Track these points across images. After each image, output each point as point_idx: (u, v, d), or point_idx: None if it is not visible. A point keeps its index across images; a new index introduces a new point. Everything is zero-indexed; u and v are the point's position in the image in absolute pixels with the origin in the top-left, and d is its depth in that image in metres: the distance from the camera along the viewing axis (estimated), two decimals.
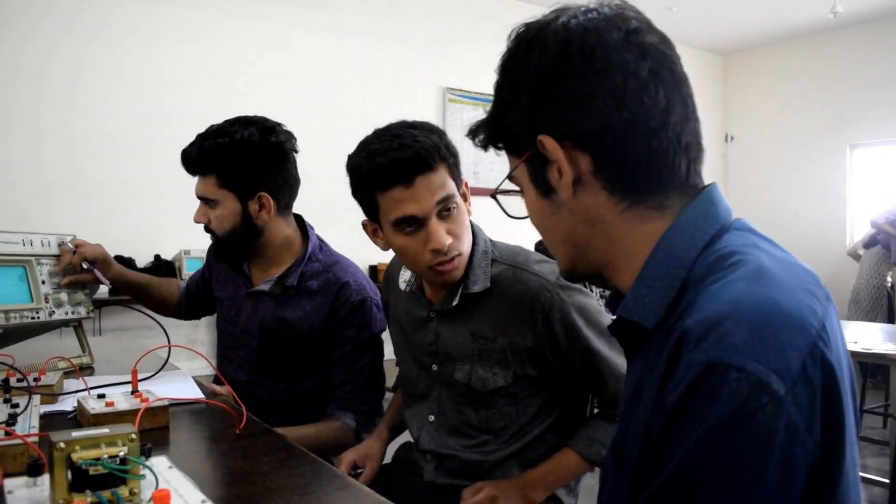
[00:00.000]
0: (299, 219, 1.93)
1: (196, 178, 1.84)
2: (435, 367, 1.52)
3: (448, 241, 1.39)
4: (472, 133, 0.95)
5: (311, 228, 1.93)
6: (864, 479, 3.80)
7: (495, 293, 1.45)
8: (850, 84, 7.91)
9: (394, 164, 1.34)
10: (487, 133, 0.92)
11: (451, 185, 1.40)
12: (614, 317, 0.89)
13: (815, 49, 8.23)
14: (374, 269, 5.89)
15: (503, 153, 0.94)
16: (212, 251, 2.04)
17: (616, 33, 0.81)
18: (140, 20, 4.99)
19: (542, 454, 1.47)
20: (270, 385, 1.86)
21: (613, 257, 0.86)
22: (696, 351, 0.67)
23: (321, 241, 1.93)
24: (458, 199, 1.42)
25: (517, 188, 0.94)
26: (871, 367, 5.43)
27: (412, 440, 1.66)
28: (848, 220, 8.02)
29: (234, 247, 1.85)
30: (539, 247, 4.98)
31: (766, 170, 8.66)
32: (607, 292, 4.46)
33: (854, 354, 3.22)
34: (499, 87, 0.89)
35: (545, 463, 1.47)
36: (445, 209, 1.39)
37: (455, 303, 1.46)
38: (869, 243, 6.05)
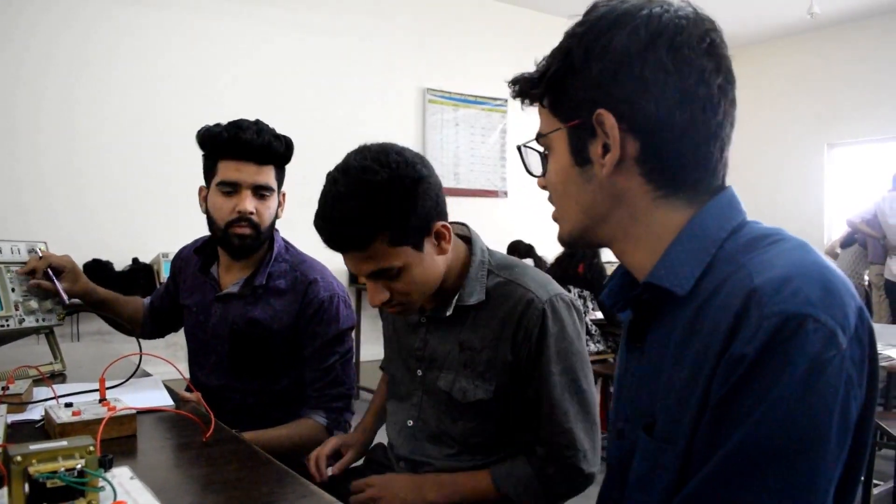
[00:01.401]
0: None
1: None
2: (420, 373, 1.51)
3: (385, 296, 1.37)
4: (519, 83, 0.96)
5: (277, 231, 1.94)
6: None
7: (489, 305, 1.42)
8: (827, 84, 7.99)
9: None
10: (541, 88, 0.92)
11: (388, 254, 1.32)
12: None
13: (793, 50, 8.31)
14: (354, 276, 5.88)
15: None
16: (187, 256, 2.05)
17: (702, 40, 0.84)
18: (119, 26, 4.96)
19: None
20: (243, 387, 1.87)
21: (634, 234, 0.90)
22: (770, 304, 0.72)
23: (286, 242, 1.96)
24: (400, 263, 1.34)
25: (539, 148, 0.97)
26: None
27: (385, 443, 1.67)
28: (826, 219, 8.10)
29: (261, 243, 1.87)
30: (512, 250, 5.00)
31: (744, 169, 8.71)
32: (586, 292, 4.40)
33: None
34: (568, 50, 0.88)
35: (458, 474, 1.47)
36: (382, 275, 1.35)
37: (449, 313, 1.44)
38: (846, 242, 6.13)
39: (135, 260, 4.74)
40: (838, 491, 0.74)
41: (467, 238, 1.51)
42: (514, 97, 0.97)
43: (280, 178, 1.87)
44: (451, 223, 1.42)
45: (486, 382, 1.41)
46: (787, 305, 0.71)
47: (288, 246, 1.96)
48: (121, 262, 4.71)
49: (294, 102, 5.67)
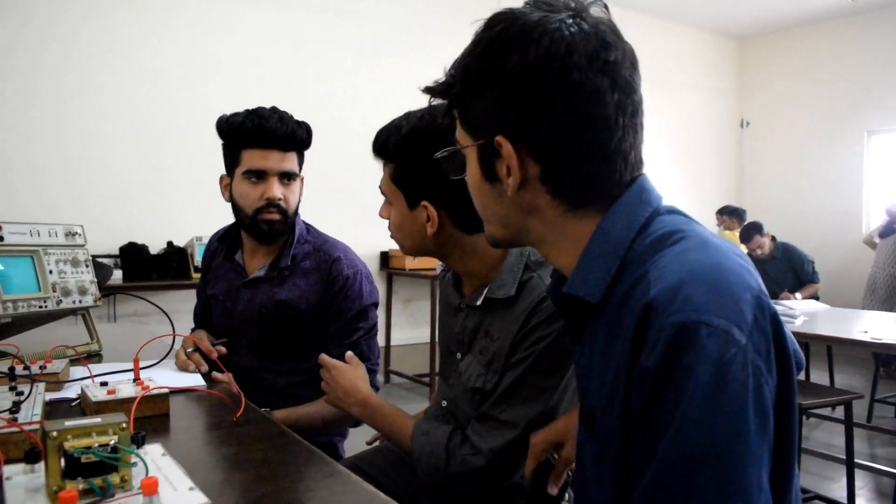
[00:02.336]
0: None
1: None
2: (459, 356, 1.52)
3: None
4: (430, 93, 0.99)
5: (297, 214, 1.99)
6: (872, 469, 3.80)
7: (519, 299, 1.39)
8: (868, 69, 7.81)
9: None
10: (446, 101, 0.96)
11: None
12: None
13: (834, 34, 8.13)
14: (385, 256, 5.92)
15: None
16: (211, 246, 2.10)
17: (595, 59, 0.83)
18: (148, 6, 5.01)
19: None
20: (273, 368, 1.91)
21: (552, 241, 0.92)
22: (665, 315, 0.73)
23: (307, 224, 2.02)
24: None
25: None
26: (884, 356, 5.41)
27: None
28: (864, 208, 7.94)
29: (287, 228, 1.92)
30: None
31: (782, 156, 8.59)
32: None
33: (865, 345, 3.22)
34: (466, 68, 0.91)
35: (393, 408, 1.55)
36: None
37: (478, 303, 1.45)
38: (885, 232, 6.00)
39: (169, 243, 4.81)
40: (774, 471, 0.75)
41: None
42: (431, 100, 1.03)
43: (302, 162, 1.93)
44: None
45: (489, 373, 1.40)
46: (679, 315, 0.73)
47: (309, 228, 2.01)
48: (155, 246, 4.78)
49: (324, 92, 5.69)
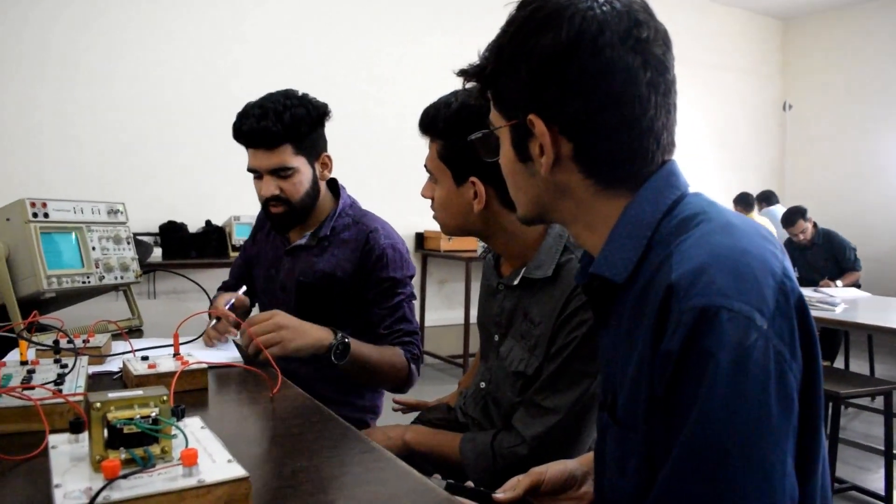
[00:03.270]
0: (333, 181, 2.04)
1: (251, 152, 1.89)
2: (496, 338, 1.53)
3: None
4: (464, 76, 1.01)
5: (343, 188, 2.04)
6: None
7: (557, 281, 1.40)
8: None
9: None
10: (482, 84, 0.97)
11: None
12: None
13: (882, 14, 7.90)
14: (420, 237, 5.94)
15: None
16: (261, 224, 2.16)
17: (627, 37, 0.84)
18: None
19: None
20: None
21: (583, 221, 0.93)
22: (685, 299, 0.73)
23: (352, 199, 2.05)
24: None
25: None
26: None
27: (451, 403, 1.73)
28: None
29: (303, 212, 1.93)
30: None
31: (825, 140, 8.41)
32: None
33: None
34: (500, 48, 0.91)
35: (435, 431, 1.57)
36: None
37: (516, 282, 1.45)
38: None
39: (207, 222, 4.87)
40: (799, 456, 0.75)
41: None
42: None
43: (307, 147, 1.90)
44: None
45: (532, 357, 1.40)
46: (700, 299, 0.73)
47: (353, 203, 2.04)
48: (194, 224, 4.85)
49: (358, 74, 5.69)
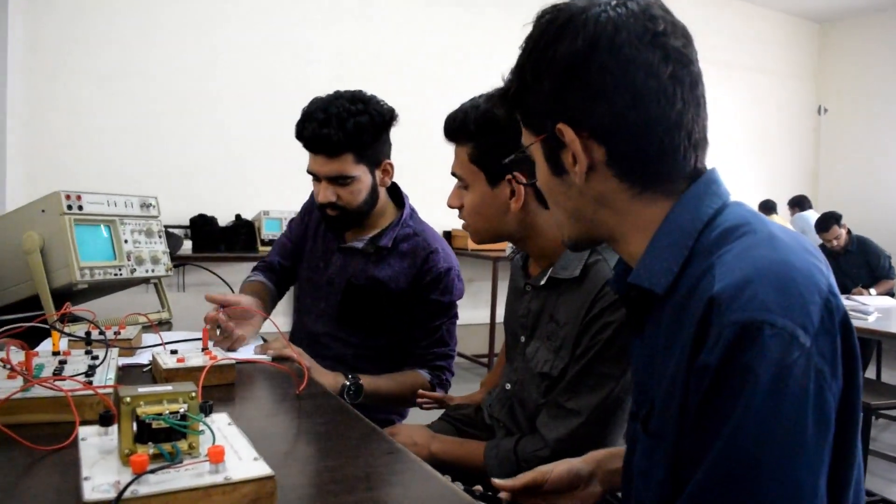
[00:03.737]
0: (394, 186, 2.01)
1: (313, 157, 1.84)
2: (523, 339, 1.53)
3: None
4: (491, 102, 1.05)
5: (406, 197, 2.02)
6: None
7: (584, 282, 1.38)
8: None
9: None
10: (507, 107, 0.97)
11: None
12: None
13: None
14: (448, 235, 5.93)
15: None
16: (312, 218, 2.11)
17: (644, 33, 0.84)
18: None
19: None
20: (345, 338, 1.95)
21: (622, 231, 0.92)
22: (728, 313, 0.72)
23: (413, 209, 2.03)
24: None
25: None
26: None
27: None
28: None
29: (360, 217, 1.91)
30: None
31: (860, 145, 8.27)
32: None
33: None
34: (521, 65, 0.92)
35: (461, 441, 1.57)
36: None
37: (543, 283, 1.45)
38: None
39: (237, 216, 4.91)
40: (833, 473, 0.73)
41: None
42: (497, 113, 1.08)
43: (369, 156, 1.84)
44: None
45: (558, 359, 1.39)
46: (743, 313, 0.71)
47: (414, 213, 2.02)
48: (224, 218, 4.90)
49: (400, 69, 5.70)
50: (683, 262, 0.84)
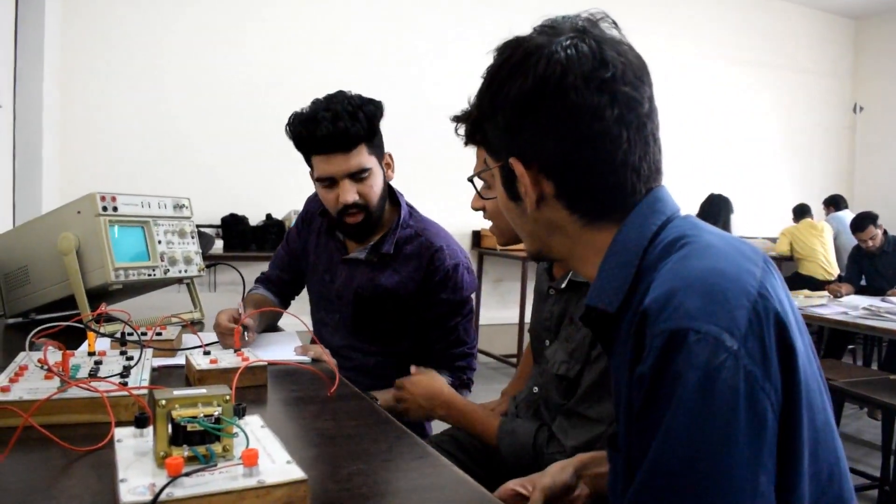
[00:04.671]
0: (388, 186, 1.95)
1: (325, 157, 1.79)
2: (547, 343, 1.52)
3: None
4: (457, 121, 1.10)
5: (401, 195, 1.97)
6: None
7: None
8: None
9: None
10: (468, 131, 1.02)
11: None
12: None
13: None
14: (477, 235, 5.93)
15: None
16: (309, 218, 2.08)
17: (591, 77, 0.86)
18: None
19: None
20: (365, 348, 1.94)
21: (576, 254, 0.96)
22: (656, 323, 0.75)
23: (410, 206, 1.98)
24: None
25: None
26: None
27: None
28: None
29: (378, 217, 1.87)
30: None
31: None
32: None
33: None
34: (482, 95, 0.96)
35: (478, 407, 1.56)
36: None
37: (563, 286, 1.44)
38: None
39: (268, 216, 4.95)
40: (782, 478, 0.74)
41: None
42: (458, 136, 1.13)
43: (376, 146, 1.84)
44: None
45: (574, 360, 1.39)
46: (669, 323, 0.74)
47: (412, 211, 1.97)
48: (255, 218, 4.94)
49: (411, 68, 5.71)
50: (632, 281, 0.86)
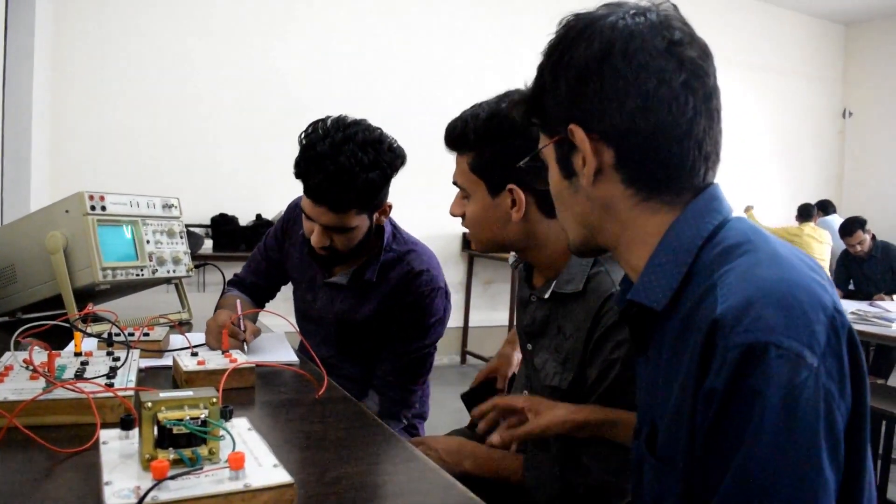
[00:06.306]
0: None
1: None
2: (529, 347, 1.51)
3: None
4: (510, 107, 1.06)
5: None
6: None
7: (586, 294, 1.35)
8: None
9: None
10: (525, 109, 0.99)
11: None
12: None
13: None
14: (465, 237, 5.93)
15: None
16: (292, 228, 2.01)
17: (658, 41, 0.85)
18: None
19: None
20: (350, 359, 1.93)
21: (625, 241, 0.92)
22: (732, 335, 0.71)
23: (395, 228, 1.92)
24: None
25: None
26: None
27: None
28: None
29: (350, 256, 1.80)
30: None
31: (886, 149, 8.16)
32: None
33: None
34: (541, 69, 0.94)
35: (493, 451, 1.47)
36: None
37: (546, 296, 1.42)
38: None
39: (258, 216, 4.94)
40: (843, 493, 0.73)
41: None
42: (515, 118, 1.10)
43: (371, 208, 1.74)
44: None
45: (565, 371, 1.37)
46: (747, 336, 0.70)
47: (396, 232, 1.90)
48: (245, 218, 4.92)
49: (414, 71, 5.70)
50: (683, 280, 0.84)
